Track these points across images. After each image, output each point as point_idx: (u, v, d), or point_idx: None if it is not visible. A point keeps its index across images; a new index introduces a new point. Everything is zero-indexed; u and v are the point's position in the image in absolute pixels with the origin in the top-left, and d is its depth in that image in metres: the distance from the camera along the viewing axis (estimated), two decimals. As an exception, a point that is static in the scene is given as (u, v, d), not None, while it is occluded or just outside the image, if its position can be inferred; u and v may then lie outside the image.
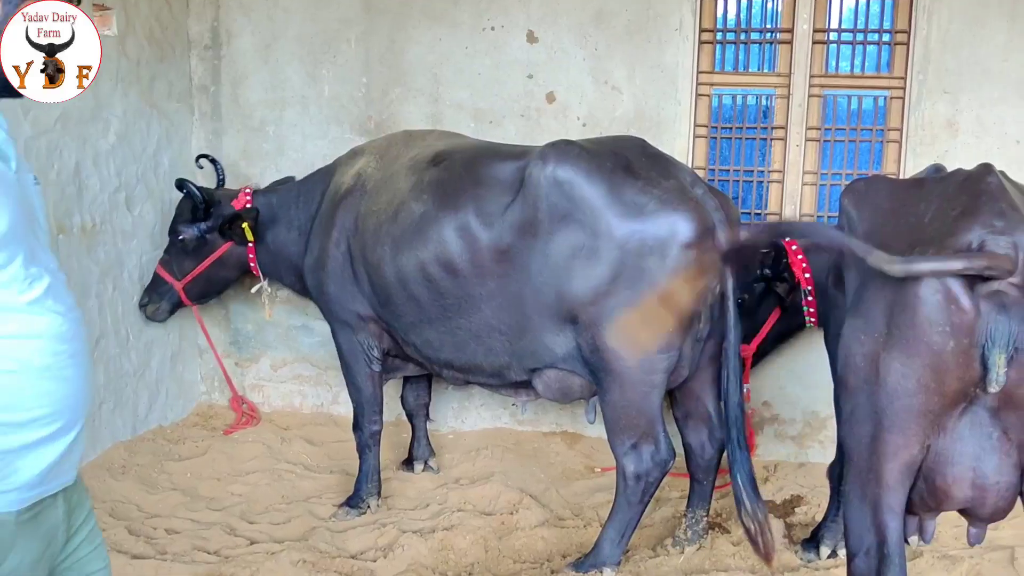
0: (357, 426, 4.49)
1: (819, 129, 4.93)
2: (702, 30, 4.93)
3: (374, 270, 4.11)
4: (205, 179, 5.19)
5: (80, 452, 1.97)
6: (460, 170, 3.98)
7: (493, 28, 5.11)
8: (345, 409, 5.61)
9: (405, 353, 4.34)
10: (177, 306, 5.02)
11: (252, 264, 4.85)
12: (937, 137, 4.72)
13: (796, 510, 4.45)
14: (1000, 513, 2.56)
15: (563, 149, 3.70)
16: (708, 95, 5.04)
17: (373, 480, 4.47)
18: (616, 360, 3.58)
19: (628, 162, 3.65)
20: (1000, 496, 2.49)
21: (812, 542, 3.99)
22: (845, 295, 2.90)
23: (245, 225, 4.65)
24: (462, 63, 5.17)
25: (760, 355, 4.57)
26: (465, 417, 5.49)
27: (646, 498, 3.74)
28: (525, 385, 4.03)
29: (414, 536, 4.10)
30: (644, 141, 3.91)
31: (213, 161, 5.12)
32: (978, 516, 2.62)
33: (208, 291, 5.06)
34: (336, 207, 4.34)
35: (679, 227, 3.49)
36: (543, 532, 4.20)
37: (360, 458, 4.48)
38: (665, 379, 3.65)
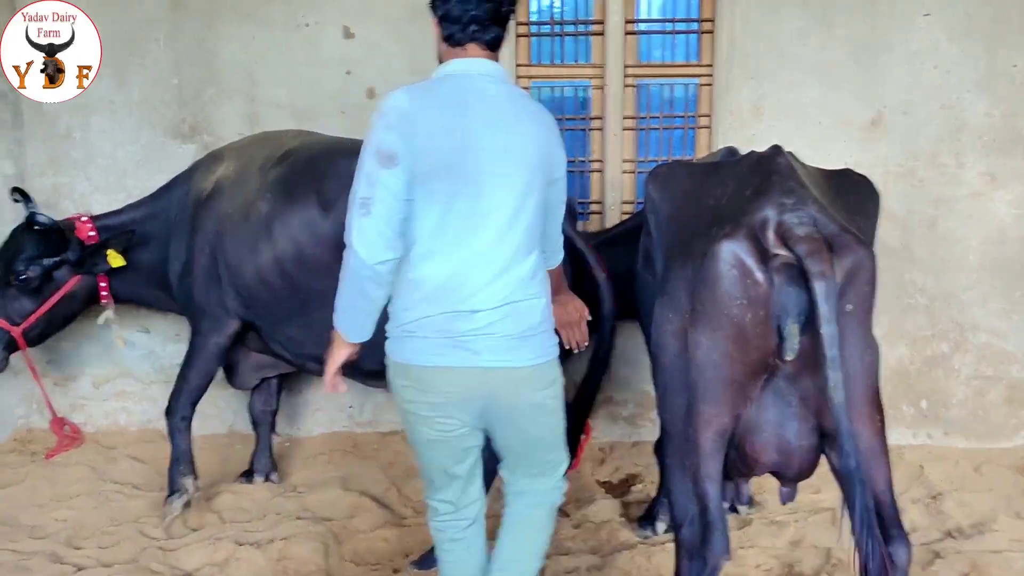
0: (170, 412, 4.35)
1: (635, 118, 5.07)
2: (518, 23, 4.98)
3: (235, 272, 4.13)
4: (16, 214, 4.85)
5: None
6: (302, 166, 4.07)
7: (308, 24, 5.02)
8: (175, 423, 5.44)
9: (273, 352, 4.39)
10: (11, 352, 4.56)
11: (104, 293, 4.53)
12: (745, 122, 4.92)
13: (632, 488, 4.57)
14: (805, 473, 2.69)
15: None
16: (527, 87, 5.10)
17: (186, 461, 4.35)
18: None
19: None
20: (803, 459, 2.62)
21: (648, 519, 4.11)
22: (654, 277, 2.99)
23: (111, 252, 4.39)
24: (278, 61, 5.05)
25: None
26: (301, 424, 5.38)
27: None
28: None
29: (251, 548, 3.98)
30: None
31: (25, 196, 4.57)
32: (787, 477, 2.75)
33: (49, 332, 4.62)
34: (197, 212, 4.29)
35: None
36: (385, 533, 4.16)
37: (172, 442, 4.35)
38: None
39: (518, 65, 5.03)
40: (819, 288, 2.36)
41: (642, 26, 5.03)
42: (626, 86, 5.00)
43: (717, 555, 2.62)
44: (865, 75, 4.87)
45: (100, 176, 5.13)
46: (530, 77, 5.09)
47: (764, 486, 4.32)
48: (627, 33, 4.97)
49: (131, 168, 5.13)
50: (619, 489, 4.58)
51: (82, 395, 5.40)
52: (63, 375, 5.38)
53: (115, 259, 4.41)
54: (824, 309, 2.37)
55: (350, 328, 2.74)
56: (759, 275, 2.46)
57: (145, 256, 4.51)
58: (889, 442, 2.62)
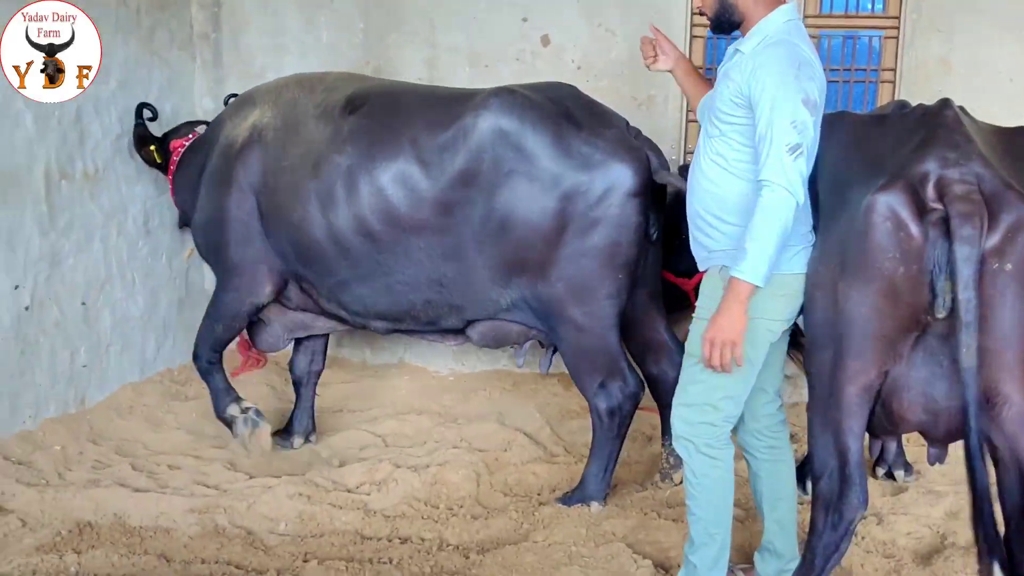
0: (196, 357, 4.41)
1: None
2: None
3: (296, 230, 3.96)
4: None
5: None
6: (387, 117, 3.85)
7: (488, -29, 5.14)
8: (349, 352, 5.76)
9: (324, 310, 4.23)
10: None
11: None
12: (931, 77, 4.72)
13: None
14: (954, 435, 2.62)
15: (506, 98, 3.66)
16: (703, 36, 5.05)
17: (224, 394, 4.39)
18: (569, 309, 3.65)
19: (569, 111, 3.65)
20: (951, 420, 2.56)
21: (798, 478, 4.05)
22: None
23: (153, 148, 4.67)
24: (457, 7, 5.20)
25: None
26: (465, 359, 5.58)
27: (622, 431, 3.85)
28: (457, 332, 4.07)
29: (408, 471, 4.21)
30: (576, 89, 3.89)
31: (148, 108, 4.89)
32: (934, 438, 2.70)
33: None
34: (232, 163, 4.11)
35: (625, 177, 3.54)
36: (535, 468, 4.31)
37: (206, 383, 4.44)
38: (618, 320, 3.71)
39: (693, 13, 4.96)
40: (960, 252, 2.30)
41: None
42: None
43: (854, 509, 2.61)
44: (1068, 30, 4.57)
45: (289, 114, 5.42)
46: (706, 25, 5.01)
47: (923, 455, 4.19)
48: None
49: (317, 108, 5.41)
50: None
51: (266, 320, 5.77)
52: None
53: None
54: (964, 274, 2.31)
55: (766, 271, 2.70)
56: (914, 229, 2.40)
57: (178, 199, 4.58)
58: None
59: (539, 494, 4.10)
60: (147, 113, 4.83)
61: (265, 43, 5.48)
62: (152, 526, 3.73)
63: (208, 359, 4.37)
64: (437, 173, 3.70)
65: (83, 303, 4.71)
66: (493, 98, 3.67)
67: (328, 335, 4.64)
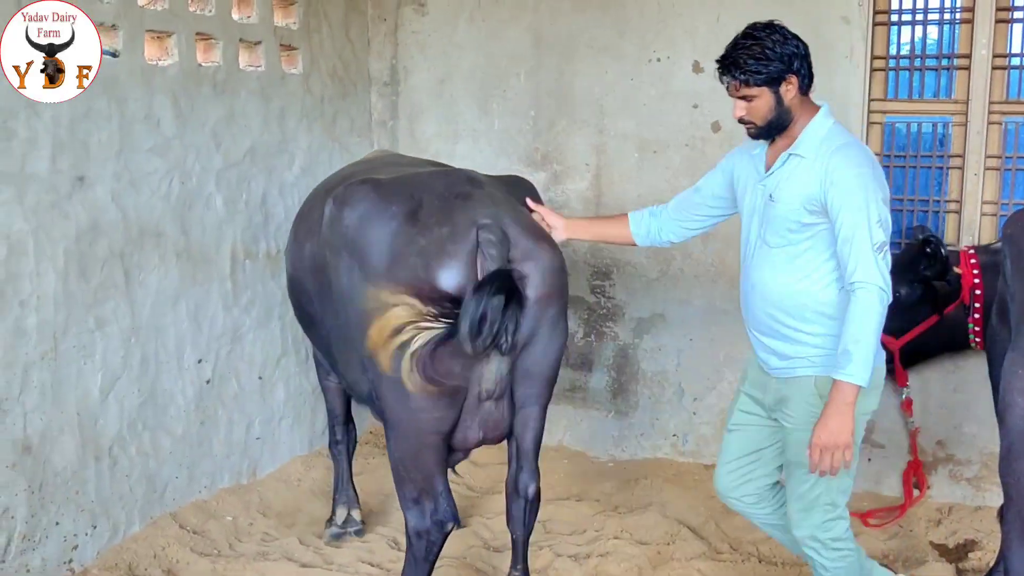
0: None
1: (999, 158, 4.71)
2: (874, 57, 4.81)
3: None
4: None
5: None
6: (313, 197, 3.98)
7: (659, 59, 5.16)
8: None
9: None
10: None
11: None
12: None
13: (970, 555, 4.23)
14: None
15: (354, 189, 3.41)
16: (880, 123, 4.91)
17: (341, 489, 4.49)
18: (387, 410, 3.35)
19: (419, 206, 3.30)
20: None
21: (985, 589, 3.79)
22: (1008, 329, 2.78)
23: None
24: (627, 94, 5.24)
25: (911, 362, 4.39)
26: (625, 446, 5.50)
27: (431, 556, 3.49)
28: None
29: (568, 560, 4.15)
30: (490, 177, 3.70)
31: None
32: None
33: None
34: None
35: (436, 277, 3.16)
36: (699, 564, 4.15)
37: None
38: (438, 437, 3.36)
39: (871, 100, 4.84)
40: None
41: (1014, 60, 4.67)
42: (991, 123, 4.66)
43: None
44: None
45: (459, 198, 5.57)
46: (884, 112, 4.89)
47: None
48: (994, 68, 4.63)
49: (487, 192, 5.54)
50: (955, 554, 4.26)
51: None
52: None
53: None
54: None
55: (871, 371, 2.83)
56: None
57: None
58: None
59: (701, 593, 3.96)
60: None
61: (440, 130, 5.67)
62: (317, 603, 3.79)
63: (332, 439, 4.59)
64: (309, 255, 3.73)
65: (260, 377, 4.90)
66: (343, 187, 3.48)
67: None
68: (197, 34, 4.38)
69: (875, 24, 4.79)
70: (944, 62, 4.79)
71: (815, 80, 3.06)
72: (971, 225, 4.73)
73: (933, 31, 4.84)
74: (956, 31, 4.75)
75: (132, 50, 3.97)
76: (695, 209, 3.51)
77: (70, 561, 3.87)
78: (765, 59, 2.91)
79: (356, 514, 4.50)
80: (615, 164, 5.30)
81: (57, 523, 3.81)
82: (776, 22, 2.99)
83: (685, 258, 5.22)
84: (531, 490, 3.64)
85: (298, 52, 5.09)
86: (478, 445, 3.55)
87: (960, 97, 4.73)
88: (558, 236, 3.53)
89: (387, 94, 5.77)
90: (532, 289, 3.24)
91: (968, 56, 4.66)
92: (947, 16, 4.77)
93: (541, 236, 3.39)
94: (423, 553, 3.48)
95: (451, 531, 3.49)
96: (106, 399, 4.01)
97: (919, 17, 4.83)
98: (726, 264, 5.03)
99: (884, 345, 3.91)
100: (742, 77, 2.95)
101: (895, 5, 4.85)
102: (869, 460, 4.84)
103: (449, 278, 3.12)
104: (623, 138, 5.28)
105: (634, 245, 3.68)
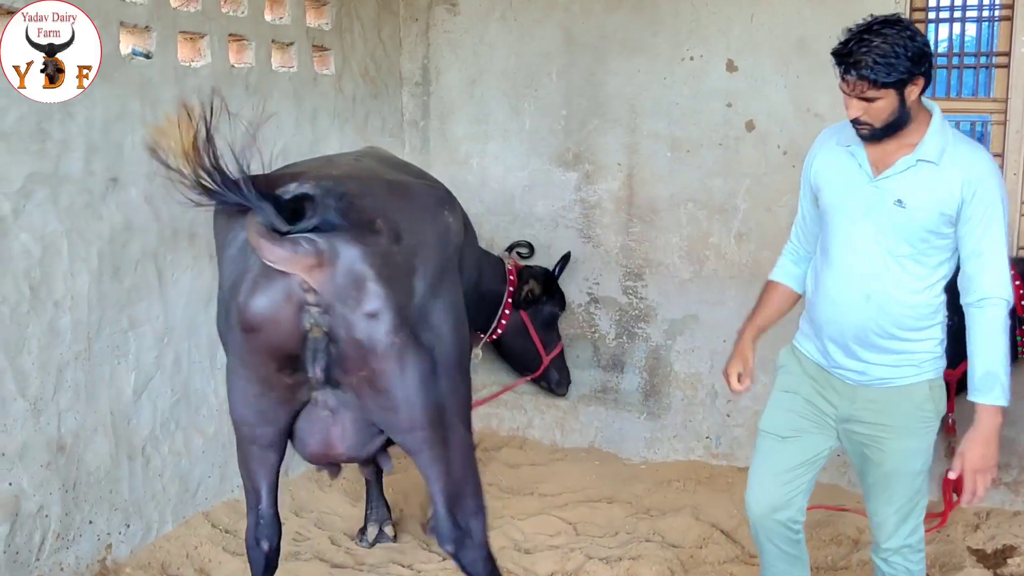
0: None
1: (1039, 156, 4.62)
2: (912, 55, 4.73)
3: None
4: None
5: None
6: None
7: (692, 58, 5.11)
8: (540, 433, 5.74)
9: None
10: None
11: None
12: None
13: (1008, 560, 4.15)
14: None
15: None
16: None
17: (372, 503, 4.39)
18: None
19: None
20: None
21: (1026, 597, 3.72)
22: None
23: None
24: (660, 93, 5.19)
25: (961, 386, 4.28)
26: (658, 448, 5.46)
27: (255, 571, 3.20)
28: None
29: (600, 563, 4.11)
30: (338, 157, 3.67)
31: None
32: None
33: None
34: None
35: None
36: (732, 568, 4.12)
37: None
38: (256, 447, 3.09)
39: (910, 98, 4.77)
40: None
41: (1055, 57, 4.58)
42: (1032, 122, 4.58)
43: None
44: None
45: (491, 199, 5.56)
46: (922, 111, 4.81)
47: None
48: (1037, 65, 4.55)
49: (518, 193, 5.52)
50: (992, 559, 4.18)
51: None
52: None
53: None
54: None
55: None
56: None
57: None
58: None
59: (736, 597, 3.92)
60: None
61: (470, 130, 5.66)
62: (348, 603, 3.78)
63: None
64: None
65: (291, 377, 4.90)
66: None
67: None
68: (230, 35, 4.39)
69: (913, 22, 4.71)
70: (983, 60, 4.71)
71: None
72: (1011, 225, 4.64)
73: (971, 29, 4.77)
74: (995, 28, 4.66)
75: (165, 51, 4.00)
76: (813, 233, 3.15)
77: (104, 560, 3.90)
78: (895, 58, 2.63)
79: (388, 529, 4.40)
80: (647, 164, 5.26)
81: (91, 522, 3.84)
82: (902, 16, 2.80)
83: (719, 259, 5.17)
84: (447, 548, 3.05)
85: (330, 53, 5.09)
86: (324, 460, 3.23)
87: (999, 96, 4.64)
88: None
89: (418, 94, 5.76)
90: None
91: (1007, 54, 4.57)
92: (986, 14, 4.70)
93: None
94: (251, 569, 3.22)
95: (270, 553, 3.16)
96: (139, 399, 4.04)
97: (957, 15, 4.75)
98: (760, 265, 4.96)
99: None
100: (872, 77, 2.63)
101: (933, 3, 4.77)
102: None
103: None
104: (655, 137, 5.23)
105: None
